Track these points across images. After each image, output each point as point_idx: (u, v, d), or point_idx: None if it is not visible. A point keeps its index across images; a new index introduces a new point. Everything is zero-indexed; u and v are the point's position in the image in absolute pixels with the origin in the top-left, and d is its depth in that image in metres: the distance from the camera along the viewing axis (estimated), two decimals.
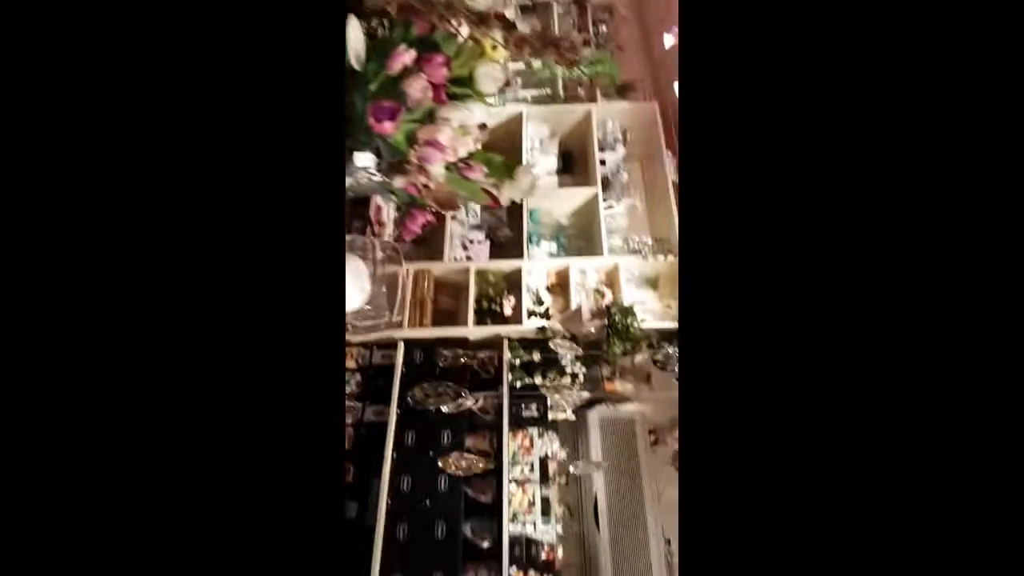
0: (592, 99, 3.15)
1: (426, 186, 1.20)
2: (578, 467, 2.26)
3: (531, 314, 2.52)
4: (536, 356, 2.42)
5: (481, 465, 2.06)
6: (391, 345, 2.47)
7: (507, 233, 2.93)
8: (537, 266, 2.71)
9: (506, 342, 2.46)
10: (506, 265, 2.70)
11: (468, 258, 2.79)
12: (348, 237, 1.42)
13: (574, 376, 2.40)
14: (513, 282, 2.68)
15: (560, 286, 2.72)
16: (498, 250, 2.88)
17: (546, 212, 2.97)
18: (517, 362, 2.42)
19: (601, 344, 2.34)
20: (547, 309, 2.53)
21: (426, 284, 2.64)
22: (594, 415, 2.51)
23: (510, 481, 2.25)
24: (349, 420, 2.33)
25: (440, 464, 2.06)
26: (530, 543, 2.19)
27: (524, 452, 2.38)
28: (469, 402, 2.02)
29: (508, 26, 1.22)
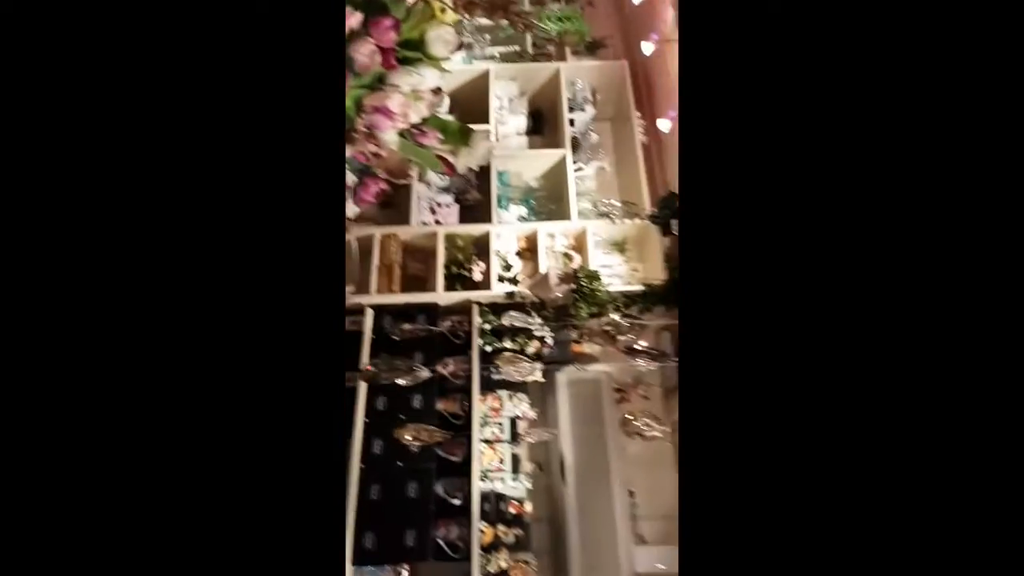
0: (562, 57, 3.08)
1: (376, 154, 1.18)
2: (532, 435, 2.35)
3: (500, 279, 2.53)
4: (506, 321, 2.45)
5: (439, 436, 2.11)
6: (359, 311, 2.46)
7: (476, 196, 2.91)
8: (506, 230, 2.70)
9: (476, 307, 2.48)
10: (475, 229, 2.69)
11: (437, 222, 2.76)
12: None
13: (542, 340, 2.44)
14: (482, 246, 2.67)
15: (530, 250, 2.72)
16: (467, 213, 2.86)
17: (515, 174, 2.94)
18: (487, 327, 2.45)
19: (569, 308, 2.38)
20: (515, 275, 2.54)
21: (393, 249, 2.62)
22: (562, 377, 2.57)
23: (480, 441, 2.31)
24: None
25: (395, 435, 2.10)
26: (499, 499, 2.28)
27: (494, 414, 2.44)
28: (424, 373, 2.05)
29: None
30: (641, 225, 2.61)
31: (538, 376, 2.28)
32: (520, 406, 2.47)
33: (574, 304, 2.35)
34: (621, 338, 2.03)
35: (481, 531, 2.15)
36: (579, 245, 2.69)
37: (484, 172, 2.76)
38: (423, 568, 2.19)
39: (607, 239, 2.72)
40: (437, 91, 1.28)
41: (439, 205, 2.81)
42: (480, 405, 2.38)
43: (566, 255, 2.66)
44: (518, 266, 2.65)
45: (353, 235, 1.42)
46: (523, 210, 2.88)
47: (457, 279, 2.60)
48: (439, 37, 1.20)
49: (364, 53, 1.11)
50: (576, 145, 2.88)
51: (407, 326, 2.31)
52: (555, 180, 2.92)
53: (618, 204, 2.77)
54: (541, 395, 2.62)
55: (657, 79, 2.91)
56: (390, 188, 1.33)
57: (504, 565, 2.14)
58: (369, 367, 2.24)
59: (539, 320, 2.35)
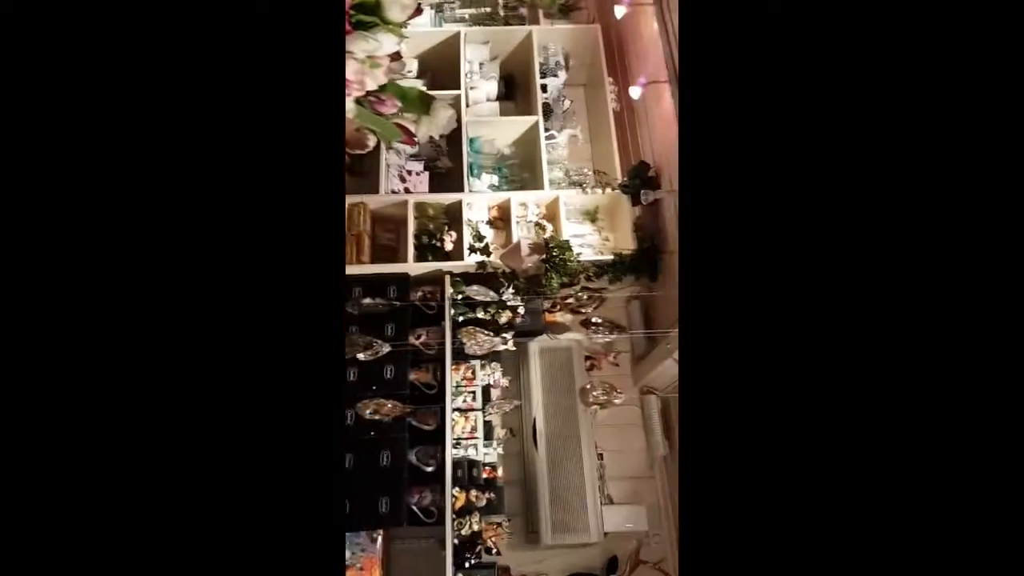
0: (535, 20, 2.99)
1: None
2: (504, 404, 2.39)
3: (472, 249, 2.52)
4: (470, 294, 2.44)
5: (399, 410, 2.14)
6: None
7: (447, 163, 2.85)
8: (478, 199, 2.67)
9: (448, 278, 2.47)
10: (446, 198, 2.65)
11: (407, 190, 2.71)
12: None
13: (514, 310, 2.45)
14: (453, 216, 2.64)
15: (502, 219, 2.70)
16: (439, 180, 2.81)
17: (487, 141, 2.88)
18: (459, 297, 2.44)
19: (540, 279, 2.38)
20: (487, 244, 2.53)
21: (362, 218, 2.57)
22: (534, 345, 2.60)
23: (453, 410, 2.35)
24: None
25: (357, 410, 2.12)
26: (472, 464, 2.33)
27: (467, 383, 2.47)
28: (385, 348, 2.06)
29: None
30: (613, 195, 2.61)
31: (498, 348, 2.30)
32: (493, 375, 2.50)
33: (545, 274, 2.36)
34: (581, 311, 2.05)
35: (454, 496, 2.21)
36: (551, 214, 2.67)
37: (455, 138, 2.70)
38: (398, 533, 2.25)
39: (579, 208, 2.71)
40: (396, 56, 1.23)
41: (409, 173, 2.75)
42: (454, 374, 2.40)
43: (538, 225, 2.65)
44: (490, 236, 2.63)
45: None
46: (495, 179, 2.84)
47: (428, 249, 2.57)
48: (396, 1, 1.15)
49: None
50: (548, 111, 2.83)
51: (367, 301, 2.29)
52: (528, 147, 2.87)
53: (590, 173, 2.76)
54: (515, 363, 2.65)
55: (630, 43, 2.85)
56: (348, 158, 1.30)
57: (477, 528, 2.21)
58: None
59: (499, 294, 2.36)
